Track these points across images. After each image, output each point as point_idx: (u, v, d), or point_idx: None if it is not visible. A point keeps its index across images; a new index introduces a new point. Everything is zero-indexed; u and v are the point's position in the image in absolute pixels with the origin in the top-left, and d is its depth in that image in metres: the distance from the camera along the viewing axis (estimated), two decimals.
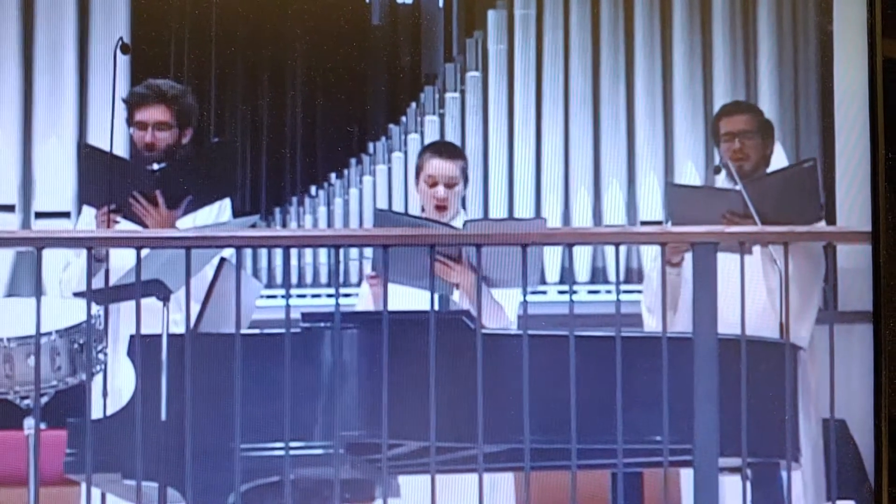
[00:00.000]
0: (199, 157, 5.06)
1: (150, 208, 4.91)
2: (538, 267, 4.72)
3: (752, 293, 4.59)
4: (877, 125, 4.73)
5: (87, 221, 5.05)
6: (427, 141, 6.04)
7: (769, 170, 5.25)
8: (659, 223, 5.93)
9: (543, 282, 4.90)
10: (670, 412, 4.31)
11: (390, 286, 4.52)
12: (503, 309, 4.90)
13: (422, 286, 4.55)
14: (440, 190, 5.08)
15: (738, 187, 4.97)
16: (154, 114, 5.09)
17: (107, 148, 4.91)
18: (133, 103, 5.14)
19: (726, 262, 4.48)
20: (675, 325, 4.84)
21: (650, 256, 5.43)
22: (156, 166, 4.96)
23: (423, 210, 5.21)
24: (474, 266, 4.67)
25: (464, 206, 5.43)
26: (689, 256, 4.55)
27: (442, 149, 5.24)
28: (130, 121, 5.14)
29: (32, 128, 5.98)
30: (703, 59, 6.14)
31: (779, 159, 5.40)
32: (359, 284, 5.97)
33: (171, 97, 5.11)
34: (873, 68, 4.74)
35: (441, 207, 5.06)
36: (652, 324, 5.03)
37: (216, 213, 5.07)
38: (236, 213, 5.19)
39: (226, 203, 5.10)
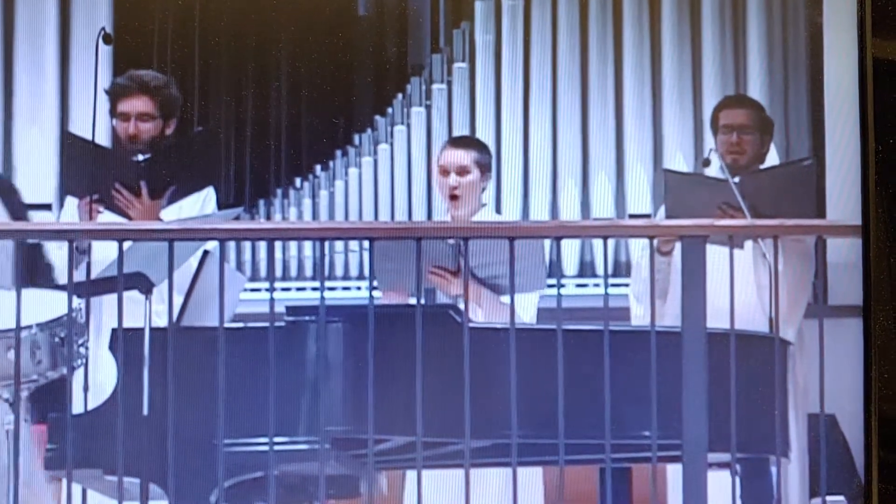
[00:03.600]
0: (182, 146, 5.02)
1: (133, 199, 4.87)
2: (541, 268, 4.72)
3: (740, 288, 4.57)
4: (867, 118, 4.71)
5: (72, 213, 5.01)
6: (413, 132, 6.03)
7: (764, 166, 5.24)
8: (647, 216, 5.91)
9: (543, 284, 4.90)
10: (659, 407, 4.29)
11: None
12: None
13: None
14: (451, 178, 5.13)
15: (735, 180, 4.96)
16: (136, 105, 5.06)
17: (89, 138, 4.88)
18: (115, 94, 5.11)
19: (716, 256, 4.45)
20: (665, 314, 4.81)
21: (639, 244, 5.41)
22: (141, 157, 4.92)
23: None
24: (476, 277, 4.71)
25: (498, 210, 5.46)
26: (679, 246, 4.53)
27: (457, 139, 5.40)
28: (113, 112, 5.11)
29: (13, 118, 5.93)
30: (692, 50, 6.12)
31: (770, 156, 5.39)
32: (344, 278, 5.94)
33: (154, 88, 5.08)
34: (863, 61, 4.72)
35: (453, 197, 5.12)
36: (639, 312, 5.01)
37: (201, 204, 5.04)
38: (220, 204, 5.15)
39: (211, 194, 5.06)
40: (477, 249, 4.79)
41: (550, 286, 6.01)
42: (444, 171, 5.16)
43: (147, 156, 4.95)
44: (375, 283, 4.79)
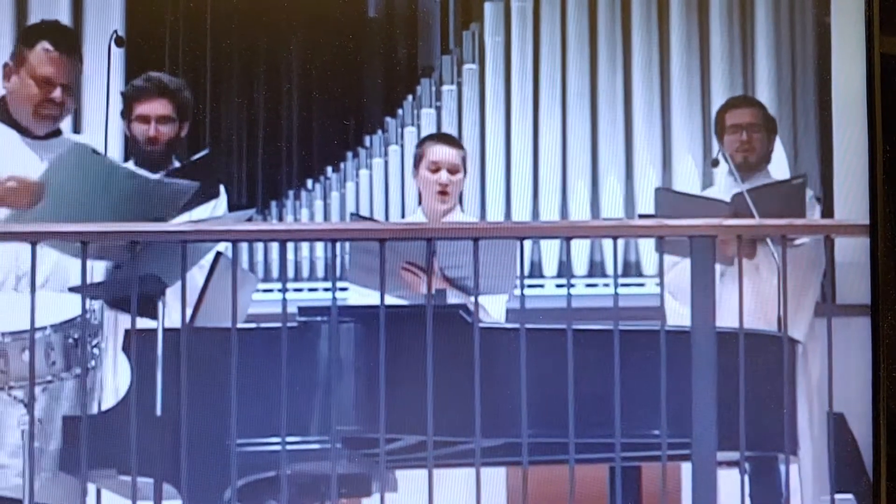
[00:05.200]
0: (186, 174, 4.98)
1: None
2: (511, 272, 4.74)
3: (747, 300, 4.57)
4: (875, 118, 4.72)
5: None
6: (423, 134, 6.03)
7: (769, 166, 5.29)
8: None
9: (514, 286, 4.93)
10: (668, 406, 4.30)
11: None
12: (485, 310, 4.95)
13: (393, 294, 4.68)
14: (443, 175, 5.20)
15: (742, 189, 4.99)
16: (156, 107, 5.06)
17: (102, 144, 4.88)
18: (133, 97, 5.10)
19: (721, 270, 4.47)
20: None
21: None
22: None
23: (420, 201, 5.25)
24: (447, 277, 4.75)
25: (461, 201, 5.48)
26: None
27: (444, 136, 5.41)
28: (130, 115, 5.11)
29: None
30: (700, 51, 6.13)
31: (777, 154, 5.41)
32: None
33: (173, 90, 5.09)
34: (871, 61, 4.73)
35: (443, 193, 5.15)
36: (675, 306, 5.06)
37: (212, 209, 5.05)
38: (232, 207, 5.17)
39: (222, 195, 5.07)
40: (447, 251, 4.85)
41: (559, 286, 6.05)
42: (435, 169, 5.20)
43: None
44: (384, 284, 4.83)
